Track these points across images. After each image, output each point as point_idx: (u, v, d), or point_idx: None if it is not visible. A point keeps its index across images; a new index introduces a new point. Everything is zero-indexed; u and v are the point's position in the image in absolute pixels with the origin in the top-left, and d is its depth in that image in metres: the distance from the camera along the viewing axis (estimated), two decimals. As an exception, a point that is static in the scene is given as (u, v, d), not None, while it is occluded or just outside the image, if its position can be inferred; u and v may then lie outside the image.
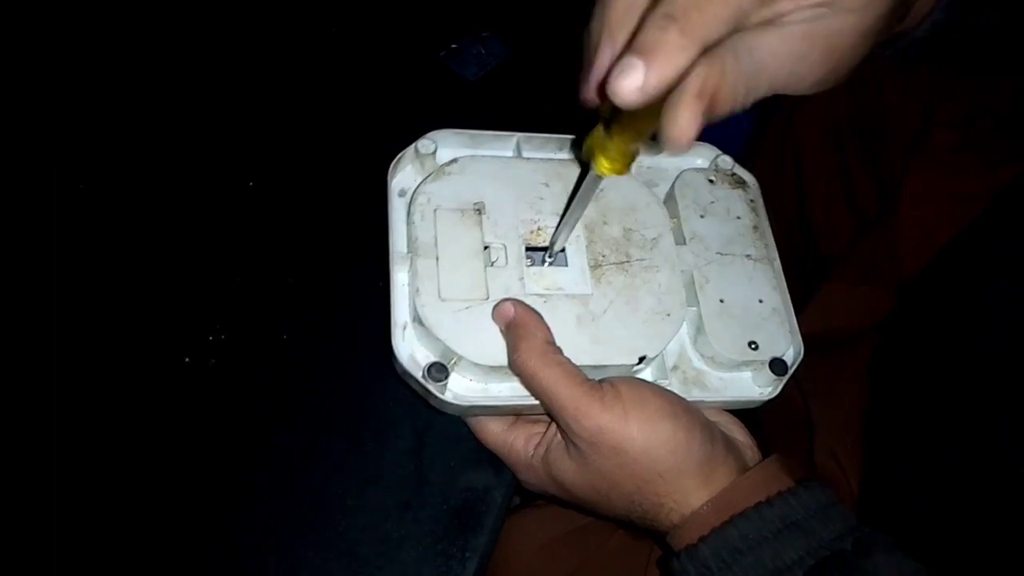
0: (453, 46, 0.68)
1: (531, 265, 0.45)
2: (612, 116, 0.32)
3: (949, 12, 0.44)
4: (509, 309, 0.41)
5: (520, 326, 0.41)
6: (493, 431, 0.46)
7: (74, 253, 0.52)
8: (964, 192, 0.61)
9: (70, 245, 0.52)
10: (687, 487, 0.40)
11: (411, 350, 0.43)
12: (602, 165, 0.34)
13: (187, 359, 0.49)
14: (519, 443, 0.45)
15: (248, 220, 0.55)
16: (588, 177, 0.37)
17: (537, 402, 0.41)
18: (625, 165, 0.34)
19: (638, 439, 0.39)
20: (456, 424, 0.48)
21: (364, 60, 0.66)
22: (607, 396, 0.39)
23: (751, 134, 1.10)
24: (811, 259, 0.74)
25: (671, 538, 0.41)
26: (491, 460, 0.47)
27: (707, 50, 0.29)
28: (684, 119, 0.29)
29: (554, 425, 0.43)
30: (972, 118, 0.63)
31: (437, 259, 0.43)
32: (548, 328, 0.41)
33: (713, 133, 1.22)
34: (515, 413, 0.45)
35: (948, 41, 0.46)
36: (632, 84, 0.27)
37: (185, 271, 0.53)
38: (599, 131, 0.33)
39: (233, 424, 0.48)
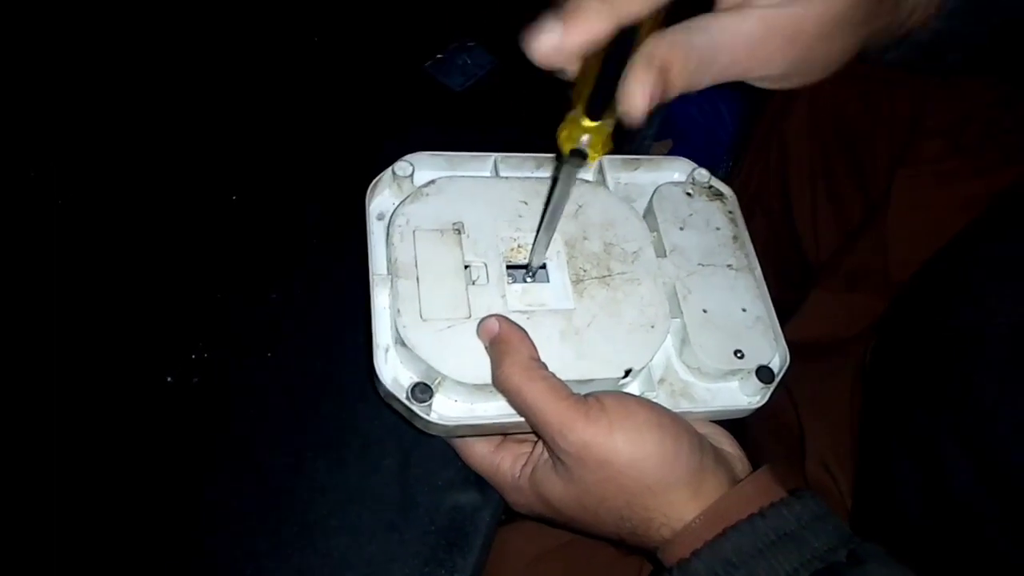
0: (438, 56, 0.67)
1: (513, 282, 0.45)
2: (587, 96, 0.33)
3: (950, 23, 0.45)
4: (494, 325, 0.41)
5: (504, 342, 0.41)
6: (479, 453, 0.45)
7: (52, 270, 0.52)
8: (952, 199, 0.61)
9: (48, 261, 0.52)
10: (676, 499, 0.40)
11: (394, 373, 0.43)
12: (569, 149, 0.34)
13: (169, 378, 0.49)
14: (505, 464, 0.44)
15: (231, 235, 0.55)
16: (563, 170, 0.38)
17: (523, 420, 0.41)
18: (599, 147, 0.34)
19: (624, 452, 0.38)
20: (442, 443, 0.49)
21: (348, 70, 0.66)
22: (592, 410, 0.39)
23: (737, 142, 1.09)
24: (798, 267, 0.74)
25: (662, 553, 0.40)
26: (478, 479, 0.47)
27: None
28: (633, 86, 0.31)
29: (540, 444, 0.43)
30: (958, 126, 0.63)
31: (417, 279, 0.43)
32: (532, 344, 0.41)
33: (699, 141, 1.22)
34: (501, 432, 0.45)
35: (950, 48, 0.45)
36: (548, 43, 0.29)
37: (167, 288, 0.53)
38: (570, 118, 0.34)
39: (216, 444, 0.48)
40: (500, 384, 0.40)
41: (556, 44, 0.29)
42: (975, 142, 0.62)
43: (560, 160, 0.36)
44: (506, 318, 0.42)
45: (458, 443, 0.46)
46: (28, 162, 0.55)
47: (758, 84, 0.38)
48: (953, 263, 0.57)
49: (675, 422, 0.40)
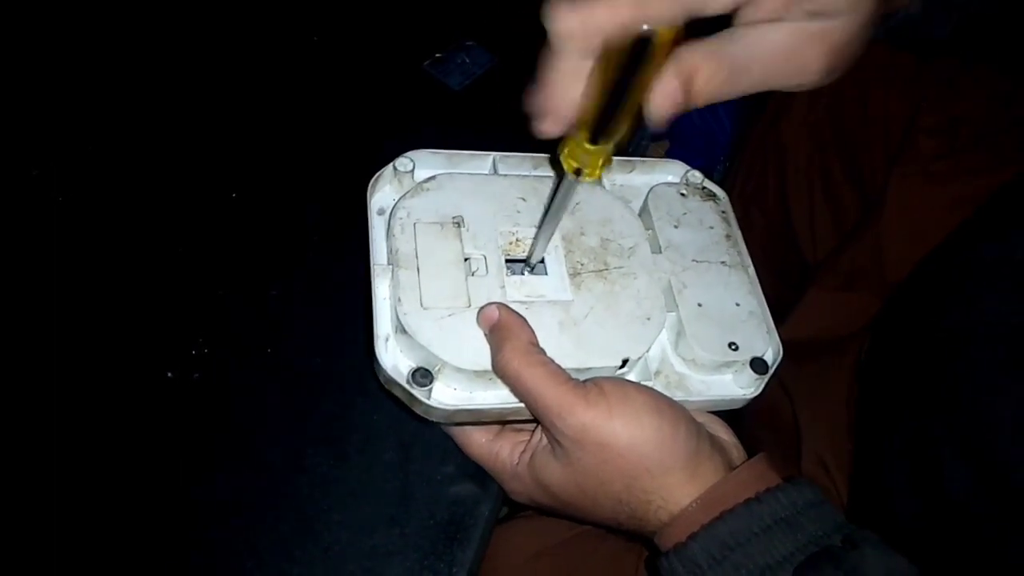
0: (437, 55, 0.68)
1: (511, 275, 0.46)
2: (591, 122, 0.34)
3: None
4: (493, 312, 0.42)
5: (504, 328, 0.42)
6: (478, 441, 0.46)
7: (53, 267, 0.53)
8: (947, 199, 0.62)
9: (48, 259, 0.52)
10: (674, 483, 0.40)
11: (395, 360, 0.44)
12: (571, 167, 0.36)
13: (170, 374, 0.50)
14: (504, 452, 0.45)
15: (231, 232, 0.56)
16: (564, 183, 0.39)
17: (522, 406, 0.42)
18: (598, 168, 0.36)
19: (623, 435, 0.39)
20: (442, 437, 0.49)
21: (348, 70, 0.66)
22: (591, 394, 0.40)
23: (735, 142, 1.10)
24: (795, 266, 0.75)
25: (659, 537, 0.41)
26: (477, 473, 0.47)
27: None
28: (658, 92, 0.31)
29: (539, 431, 0.44)
30: (952, 127, 0.63)
31: (418, 269, 0.44)
32: (532, 330, 0.42)
33: (696, 142, 1.23)
34: (500, 420, 0.46)
35: (940, 18, 0.45)
36: (574, 18, 0.30)
37: (167, 284, 0.54)
38: (573, 138, 0.35)
39: (216, 439, 0.48)
40: (500, 369, 0.41)
41: (583, 20, 0.30)
42: (969, 142, 0.63)
43: (560, 175, 0.37)
44: (506, 306, 0.43)
45: (456, 432, 0.47)
46: (30, 160, 0.56)
47: (791, 89, 0.38)
48: (946, 263, 0.58)
49: (672, 407, 0.41)
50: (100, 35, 0.64)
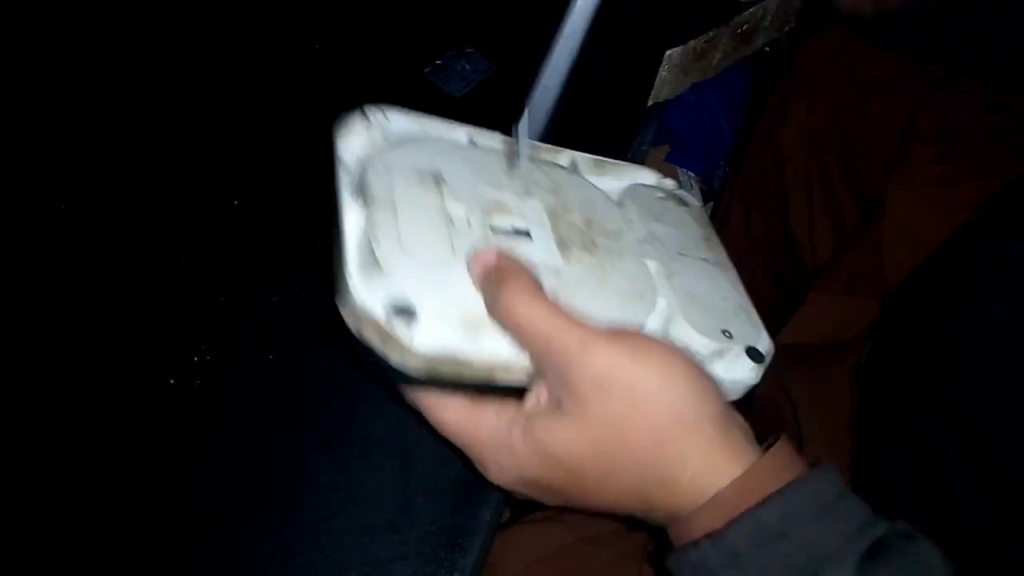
0: (437, 62, 0.68)
1: (497, 235, 0.42)
2: None
3: None
4: (491, 255, 0.38)
5: (505, 269, 0.37)
6: (453, 415, 0.39)
7: (54, 274, 0.53)
8: (946, 202, 0.62)
9: (49, 266, 0.53)
10: (707, 440, 0.35)
11: (366, 297, 0.37)
12: None
13: (172, 380, 0.50)
14: (488, 420, 0.38)
15: (232, 239, 0.56)
16: None
17: (517, 361, 0.37)
18: None
19: (654, 374, 0.34)
20: (443, 443, 0.47)
21: (348, 76, 0.66)
22: (611, 334, 0.35)
23: (734, 146, 1.10)
24: (794, 271, 0.75)
25: (683, 525, 0.36)
26: (479, 479, 0.46)
27: None
28: None
29: (534, 394, 0.38)
30: (952, 130, 0.64)
31: (396, 213, 0.40)
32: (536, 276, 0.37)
33: (696, 145, 1.23)
34: (485, 381, 0.38)
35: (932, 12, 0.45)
36: None
37: (169, 291, 0.54)
38: None
39: (218, 446, 0.49)
40: (503, 310, 0.36)
41: None
42: (968, 146, 0.64)
43: None
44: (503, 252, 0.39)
45: (426, 405, 0.40)
46: (33, 169, 0.57)
47: None
48: (946, 266, 0.58)
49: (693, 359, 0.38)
50: (101, 43, 0.65)
